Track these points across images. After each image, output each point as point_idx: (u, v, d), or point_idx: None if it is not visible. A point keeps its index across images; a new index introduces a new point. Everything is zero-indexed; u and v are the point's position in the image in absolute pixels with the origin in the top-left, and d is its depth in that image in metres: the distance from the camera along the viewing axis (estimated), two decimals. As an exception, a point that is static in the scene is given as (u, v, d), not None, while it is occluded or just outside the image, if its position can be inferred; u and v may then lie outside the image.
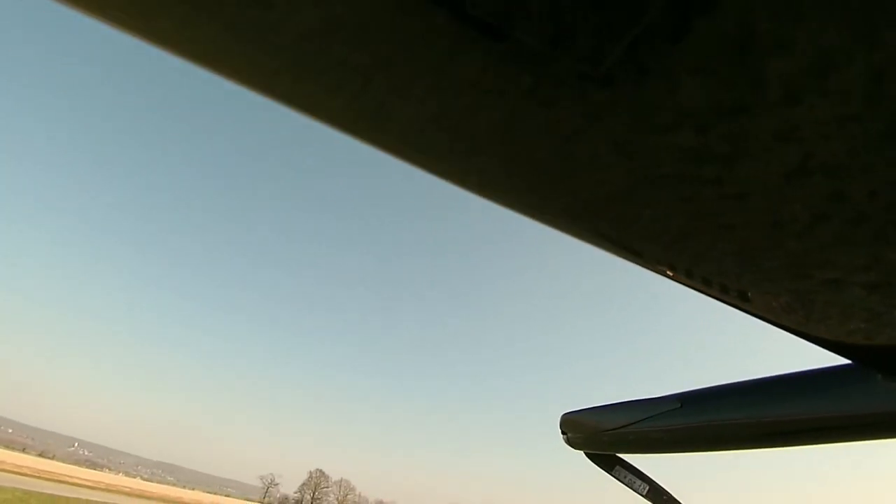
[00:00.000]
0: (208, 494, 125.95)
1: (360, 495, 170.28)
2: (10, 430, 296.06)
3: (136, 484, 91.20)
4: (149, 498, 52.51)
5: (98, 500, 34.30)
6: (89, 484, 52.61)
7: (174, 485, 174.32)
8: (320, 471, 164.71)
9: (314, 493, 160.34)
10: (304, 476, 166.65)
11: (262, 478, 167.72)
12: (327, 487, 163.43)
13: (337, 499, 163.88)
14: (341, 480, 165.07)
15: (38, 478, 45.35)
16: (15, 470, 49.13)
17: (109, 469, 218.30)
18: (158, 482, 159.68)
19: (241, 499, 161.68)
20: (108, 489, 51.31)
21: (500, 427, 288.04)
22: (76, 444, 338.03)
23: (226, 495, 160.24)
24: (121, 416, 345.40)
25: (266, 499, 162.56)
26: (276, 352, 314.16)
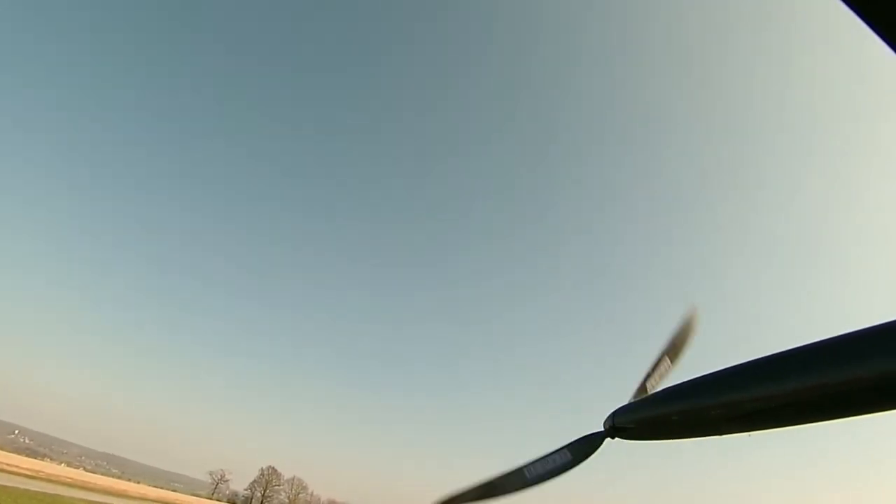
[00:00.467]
0: (155, 489, 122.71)
1: (312, 494, 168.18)
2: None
3: (79, 475, 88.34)
4: (92, 490, 51.17)
5: (36, 489, 33.52)
6: (29, 473, 50.92)
7: (119, 477, 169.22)
8: (272, 468, 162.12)
9: (265, 491, 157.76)
10: (256, 473, 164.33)
11: (211, 473, 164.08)
12: (279, 485, 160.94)
13: (288, 497, 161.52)
14: (293, 479, 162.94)
15: (-26, 465, 43.81)
16: (-51, 456, 47.37)
17: (51, 458, 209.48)
18: (103, 474, 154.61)
19: (189, 494, 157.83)
20: (48, 479, 49.85)
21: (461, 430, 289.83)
22: (17, 432, 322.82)
23: (172, 490, 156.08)
24: (65, 405, 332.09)
25: (215, 495, 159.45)
26: (236, 348, 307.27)
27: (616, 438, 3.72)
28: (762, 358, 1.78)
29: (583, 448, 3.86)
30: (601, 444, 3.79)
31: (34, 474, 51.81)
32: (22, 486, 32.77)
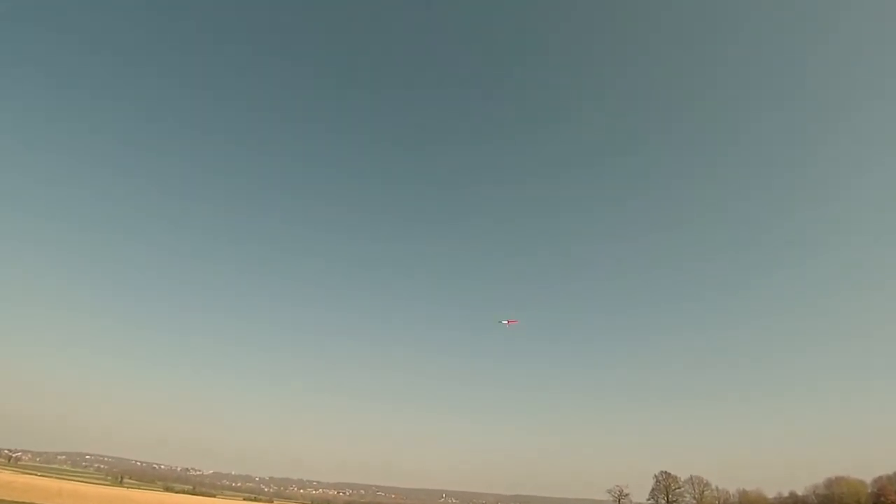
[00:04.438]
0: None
1: (717, 489, 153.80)
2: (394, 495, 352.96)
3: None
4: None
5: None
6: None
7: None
8: (666, 472, 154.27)
9: (668, 497, 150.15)
10: (650, 482, 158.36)
11: (609, 492, 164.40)
12: (679, 488, 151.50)
13: (694, 497, 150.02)
14: (692, 477, 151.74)
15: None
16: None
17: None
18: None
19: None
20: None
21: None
22: (443, 496, 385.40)
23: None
24: (476, 463, 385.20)
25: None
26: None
27: None
28: None
29: None
30: None
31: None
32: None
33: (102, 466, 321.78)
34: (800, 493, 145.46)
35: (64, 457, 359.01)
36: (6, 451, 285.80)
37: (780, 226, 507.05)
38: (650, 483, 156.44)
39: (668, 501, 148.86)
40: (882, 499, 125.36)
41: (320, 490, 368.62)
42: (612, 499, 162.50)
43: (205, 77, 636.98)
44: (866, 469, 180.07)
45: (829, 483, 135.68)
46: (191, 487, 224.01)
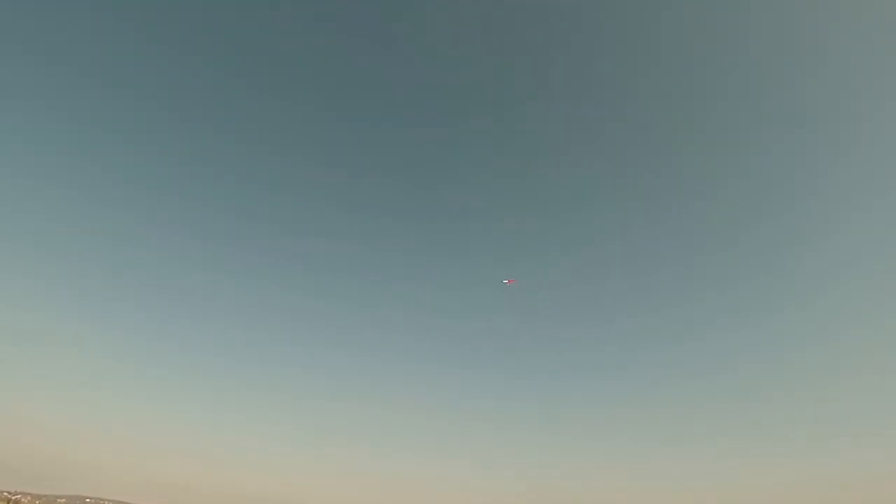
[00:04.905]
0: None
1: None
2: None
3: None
4: None
5: None
6: None
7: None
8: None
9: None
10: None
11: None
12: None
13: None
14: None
15: None
16: None
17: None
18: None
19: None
20: None
21: None
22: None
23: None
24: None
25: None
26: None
27: None
28: None
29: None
30: None
31: None
32: None
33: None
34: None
35: (64, 500, 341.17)
36: (5, 494, 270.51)
37: (798, 250, 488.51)
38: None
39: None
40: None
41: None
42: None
43: (216, 80, 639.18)
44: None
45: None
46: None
